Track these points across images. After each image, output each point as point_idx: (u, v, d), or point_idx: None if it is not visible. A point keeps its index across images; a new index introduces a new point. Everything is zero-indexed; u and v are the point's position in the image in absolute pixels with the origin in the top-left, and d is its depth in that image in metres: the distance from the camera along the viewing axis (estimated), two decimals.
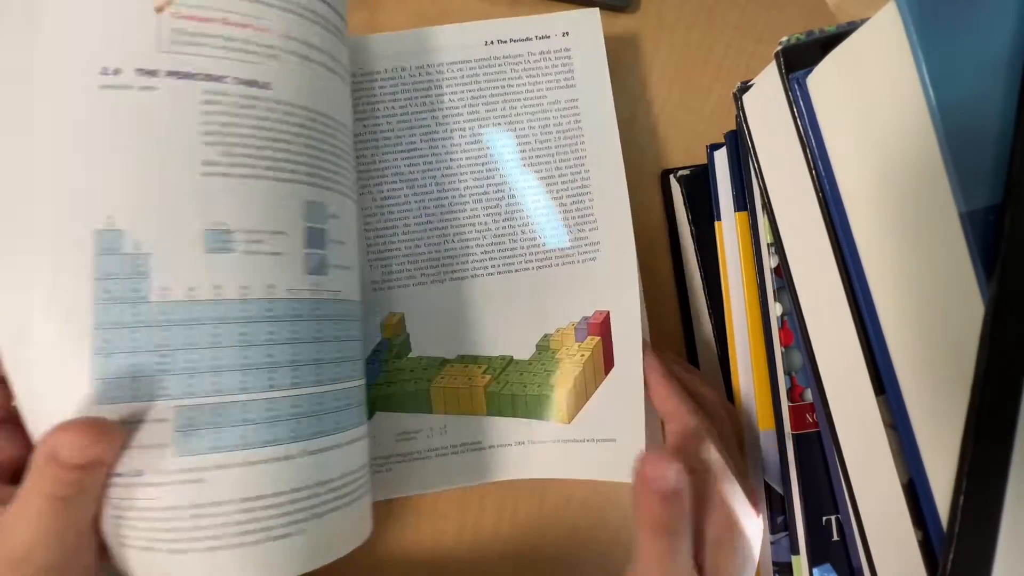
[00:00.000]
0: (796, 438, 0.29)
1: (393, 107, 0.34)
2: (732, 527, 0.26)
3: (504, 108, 0.34)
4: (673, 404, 0.29)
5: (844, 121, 0.22)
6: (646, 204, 0.37)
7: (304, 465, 0.24)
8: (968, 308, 0.19)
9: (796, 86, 0.24)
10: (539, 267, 0.33)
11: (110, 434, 0.21)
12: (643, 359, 0.31)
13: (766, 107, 0.27)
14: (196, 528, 0.22)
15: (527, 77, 0.34)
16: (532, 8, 0.36)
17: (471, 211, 0.33)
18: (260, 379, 0.23)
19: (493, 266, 0.33)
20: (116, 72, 0.22)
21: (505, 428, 0.33)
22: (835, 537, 0.28)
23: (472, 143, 0.34)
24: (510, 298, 0.33)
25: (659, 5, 0.38)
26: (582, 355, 0.32)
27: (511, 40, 0.34)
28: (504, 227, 0.33)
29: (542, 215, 0.33)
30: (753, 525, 0.27)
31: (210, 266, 0.22)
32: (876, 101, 0.21)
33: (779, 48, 0.24)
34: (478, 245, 0.33)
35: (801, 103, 0.24)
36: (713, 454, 0.27)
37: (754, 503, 0.28)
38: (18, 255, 0.21)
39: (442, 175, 0.33)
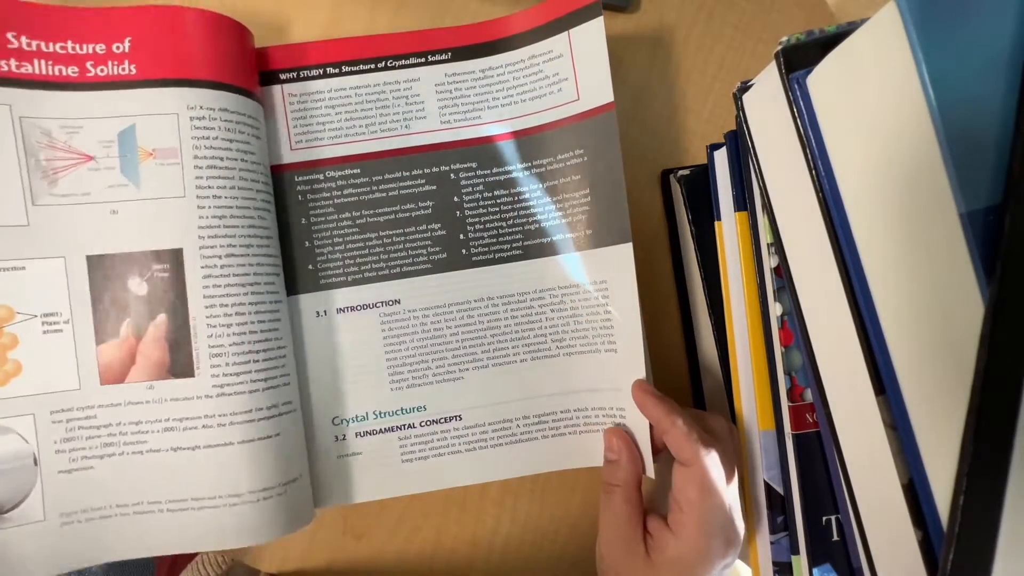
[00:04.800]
0: (796, 438, 0.29)
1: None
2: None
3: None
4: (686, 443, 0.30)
5: (844, 121, 0.22)
6: (646, 204, 0.37)
7: None
8: (968, 308, 0.19)
9: (796, 86, 0.24)
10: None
11: None
12: (652, 405, 0.30)
13: (766, 107, 0.27)
14: None
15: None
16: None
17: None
18: None
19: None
20: None
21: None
22: (835, 537, 0.28)
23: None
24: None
25: (659, 5, 0.38)
26: None
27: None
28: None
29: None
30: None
31: None
32: (876, 101, 0.21)
33: (779, 48, 0.24)
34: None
35: (801, 103, 0.24)
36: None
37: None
38: None
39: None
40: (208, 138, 0.30)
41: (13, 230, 0.28)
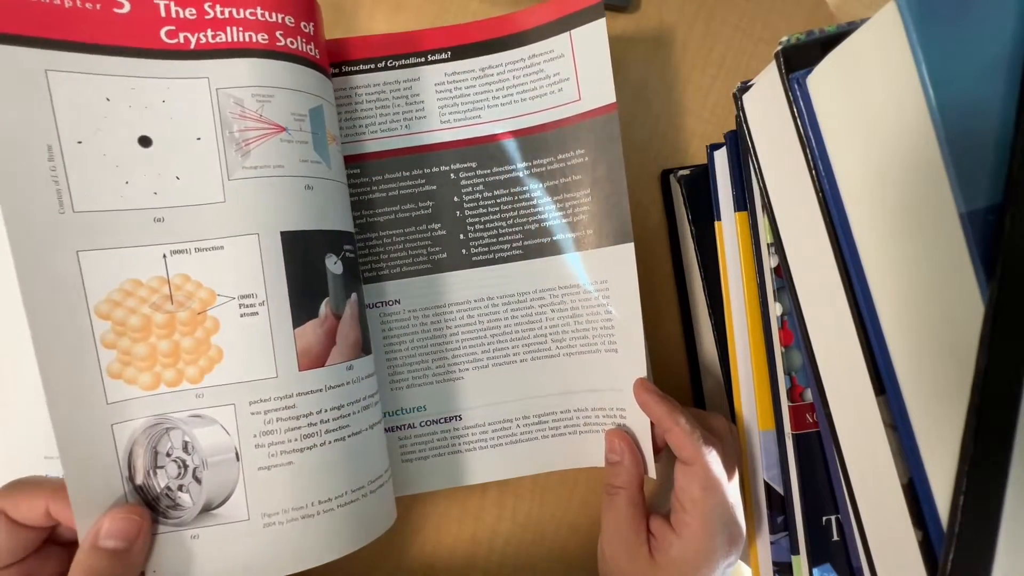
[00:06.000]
0: (796, 438, 0.29)
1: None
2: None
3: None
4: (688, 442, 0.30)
5: (844, 121, 0.22)
6: (646, 204, 0.38)
7: None
8: (968, 308, 0.19)
9: (796, 86, 0.24)
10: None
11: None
12: (654, 404, 0.30)
13: (766, 107, 0.27)
14: None
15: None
16: None
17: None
18: None
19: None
20: None
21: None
22: (835, 537, 0.28)
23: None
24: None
25: (659, 5, 0.38)
26: None
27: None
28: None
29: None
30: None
31: None
32: (876, 101, 0.21)
33: (779, 48, 0.24)
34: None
35: (801, 103, 0.24)
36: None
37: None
38: None
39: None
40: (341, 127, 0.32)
41: (212, 208, 0.26)
